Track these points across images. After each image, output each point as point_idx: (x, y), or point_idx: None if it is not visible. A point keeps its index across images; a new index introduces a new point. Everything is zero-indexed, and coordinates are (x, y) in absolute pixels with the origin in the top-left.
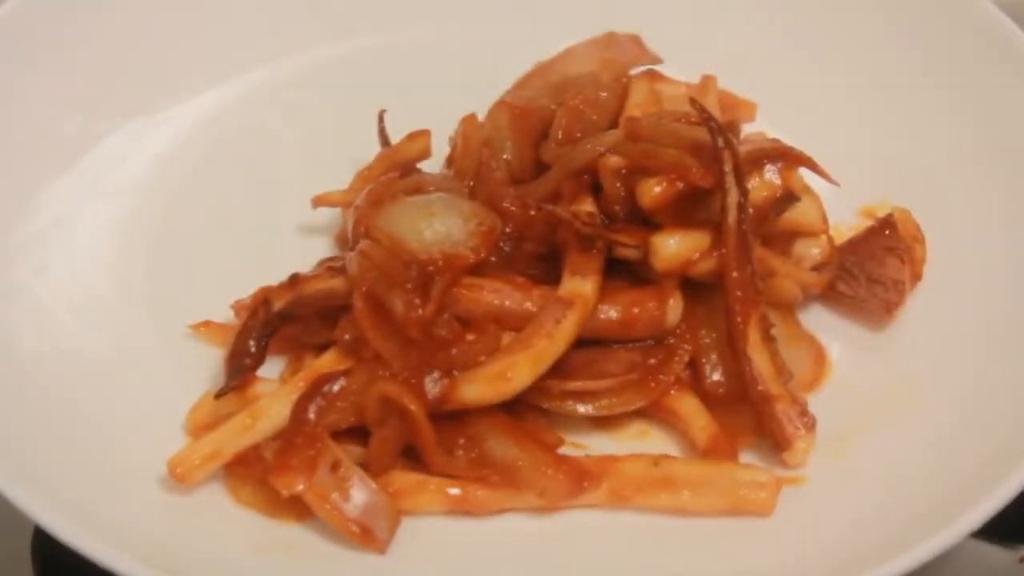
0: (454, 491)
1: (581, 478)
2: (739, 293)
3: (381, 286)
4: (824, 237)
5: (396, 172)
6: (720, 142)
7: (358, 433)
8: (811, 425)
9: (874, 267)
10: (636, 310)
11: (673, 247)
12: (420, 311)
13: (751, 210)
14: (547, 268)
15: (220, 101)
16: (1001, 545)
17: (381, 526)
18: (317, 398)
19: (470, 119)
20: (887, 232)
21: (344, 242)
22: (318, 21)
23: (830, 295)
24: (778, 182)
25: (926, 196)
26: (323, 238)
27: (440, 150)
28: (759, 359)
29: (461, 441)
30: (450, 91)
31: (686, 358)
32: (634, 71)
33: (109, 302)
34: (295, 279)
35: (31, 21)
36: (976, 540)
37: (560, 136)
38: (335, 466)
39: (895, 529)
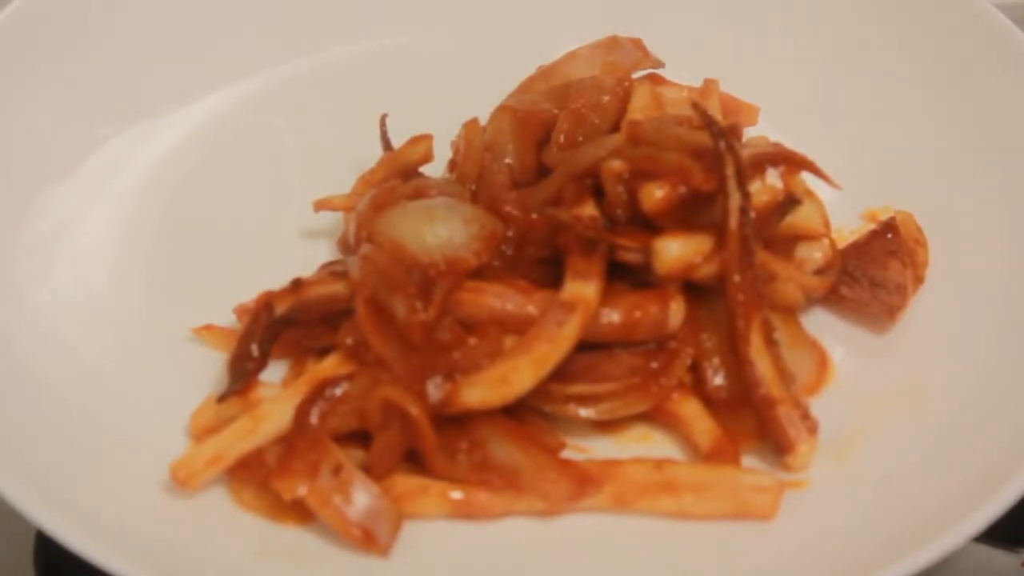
0: (456, 495)
1: (583, 482)
2: (741, 297)
3: (383, 290)
4: (826, 241)
5: (398, 176)
6: (722, 146)
7: (360, 437)
8: (813, 429)
9: (876, 270)
10: (638, 314)
11: (675, 251)
12: (422, 315)
13: (753, 214)
14: (549, 272)
15: (222, 105)
16: (1003, 549)
17: (383, 529)
18: (319, 402)
19: (472, 123)
20: (889, 235)
21: (346, 246)
22: (319, 26)
23: (832, 299)
24: (780, 186)
25: (928, 199)
26: (325, 242)
27: (442, 154)
28: (761, 363)
29: (463, 445)
30: (452, 95)
31: (688, 362)
32: (636, 75)
33: (111, 306)
34: (297, 283)
35: (32, 25)
36: (978, 544)
37: (562, 140)
38: (337, 470)
39: (897, 533)
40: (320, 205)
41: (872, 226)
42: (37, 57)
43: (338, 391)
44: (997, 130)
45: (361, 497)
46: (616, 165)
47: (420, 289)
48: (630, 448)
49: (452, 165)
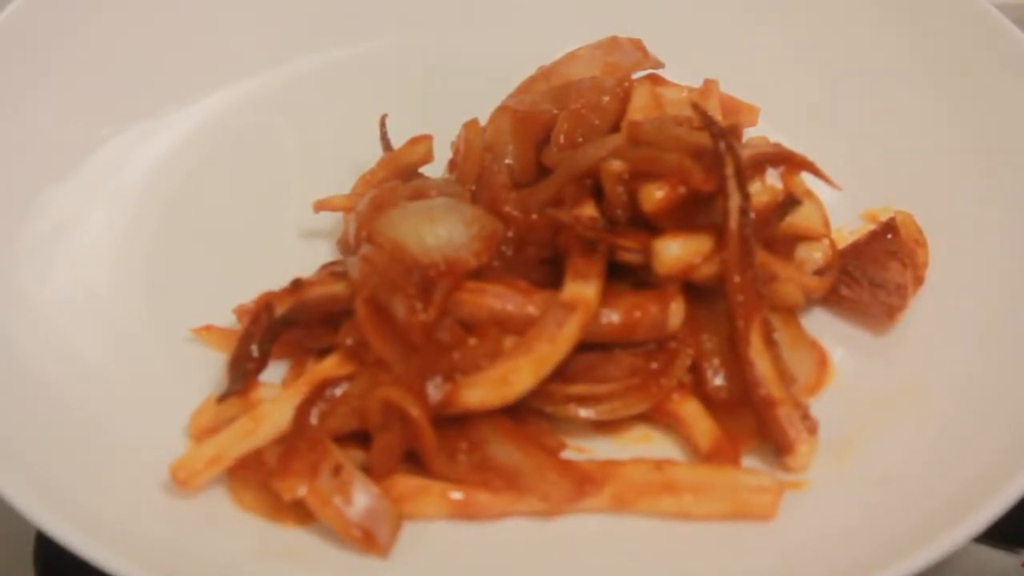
0: (456, 495)
1: (583, 482)
2: (741, 297)
3: (383, 291)
4: (826, 241)
5: (398, 177)
6: (722, 146)
7: (360, 437)
8: (813, 429)
9: (876, 271)
10: (638, 314)
11: (675, 251)
12: (422, 315)
13: (753, 214)
14: (549, 272)
15: (222, 105)
16: (1003, 549)
17: (383, 530)
18: (319, 402)
19: (472, 124)
20: (889, 236)
21: (346, 247)
22: (320, 26)
23: (832, 299)
24: (780, 186)
25: (928, 200)
26: (325, 243)
27: (442, 155)
28: (761, 363)
29: (463, 445)
30: (452, 96)
31: (688, 362)
32: (636, 75)
33: (111, 306)
34: (297, 284)
35: (34, 25)
36: (978, 544)
37: (562, 140)
38: (337, 470)
39: (897, 533)
40: (320, 205)
41: (872, 226)
42: (37, 57)
43: (338, 391)
44: (997, 130)
45: (361, 497)
46: (616, 165)
47: (420, 289)
48: (630, 448)
49: (452, 165)
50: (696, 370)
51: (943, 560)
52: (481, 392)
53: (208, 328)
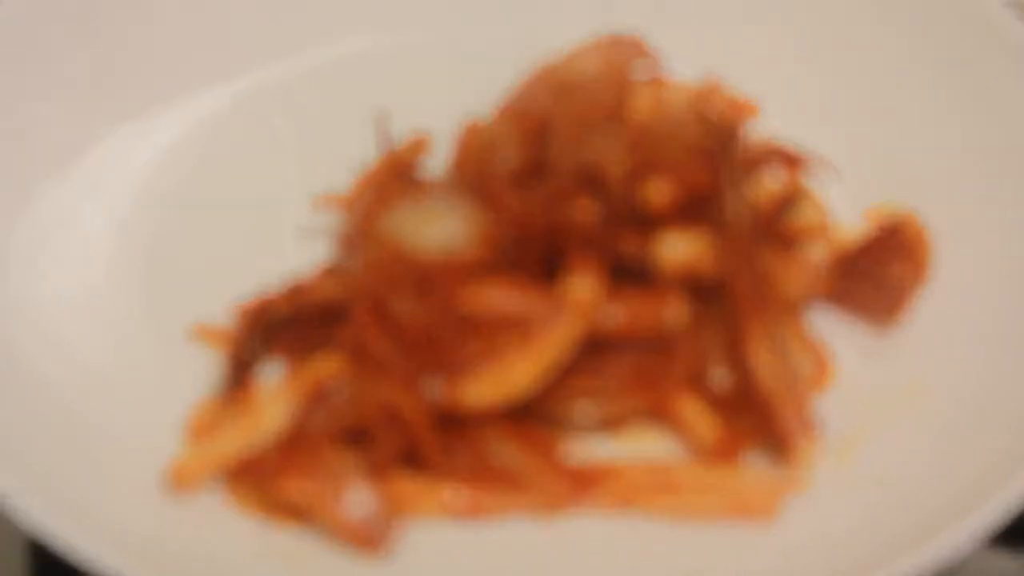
0: (456, 495)
1: (583, 482)
2: (742, 296)
3: (383, 290)
4: (827, 240)
5: (398, 176)
6: (723, 145)
7: (359, 437)
8: (815, 428)
9: (877, 270)
10: (638, 313)
11: (676, 250)
12: (422, 315)
13: (754, 213)
14: (549, 270)
15: (220, 103)
16: (1007, 552)
17: (381, 531)
18: (318, 402)
19: (472, 123)
20: (892, 234)
21: (346, 246)
22: (319, 22)
23: (834, 297)
24: (781, 185)
25: (930, 199)
26: (325, 242)
27: (442, 155)
28: (761, 363)
29: (463, 445)
30: (452, 94)
31: (688, 362)
32: (636, 74)
33: (108, 305)
34: (296, 283)
35: (28, 22)
36: (981, 545)
37: (562, 139)
38: (336, 470)
39: (898, 533)
40: (319, 205)
41: (874, 225)
42: (34, 54)
43: (337, 391)
44: (1001, 129)
45: (360, 498)
46: (616, 164)
47: (420, 289)
48: (630, 447)
49: (452, 165)
50: (696, 369)
51: (946, 563)
52: (481, 392)
53: (207, 327)
